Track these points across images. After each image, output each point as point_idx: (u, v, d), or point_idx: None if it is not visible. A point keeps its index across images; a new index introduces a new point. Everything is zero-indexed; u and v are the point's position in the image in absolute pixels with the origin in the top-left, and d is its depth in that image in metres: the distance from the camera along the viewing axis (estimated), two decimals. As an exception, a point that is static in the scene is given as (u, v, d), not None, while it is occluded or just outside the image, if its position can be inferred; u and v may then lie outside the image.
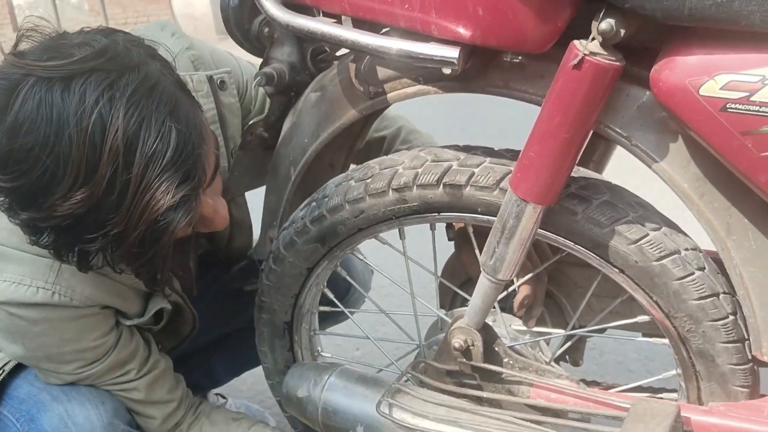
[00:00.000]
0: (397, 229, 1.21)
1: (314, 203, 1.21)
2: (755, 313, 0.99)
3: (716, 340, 1.01)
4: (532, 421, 1.10)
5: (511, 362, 1.18)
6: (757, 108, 0.82)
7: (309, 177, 1.31)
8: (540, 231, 1.04)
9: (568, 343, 1.34)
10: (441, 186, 1.09)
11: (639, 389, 1.24)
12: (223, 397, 1.88)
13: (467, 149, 1.13)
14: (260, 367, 1.73)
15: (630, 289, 1.04)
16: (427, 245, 1.30)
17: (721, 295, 1.00)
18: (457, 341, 1.16)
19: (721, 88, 0.83)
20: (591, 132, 0.98)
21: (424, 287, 1.41)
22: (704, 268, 1.01)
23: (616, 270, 1.03)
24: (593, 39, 0.88)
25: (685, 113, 0.87)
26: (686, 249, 1.01)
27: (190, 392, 1.41)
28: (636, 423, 0.99)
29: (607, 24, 0.86)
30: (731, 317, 1.00)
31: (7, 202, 0.99)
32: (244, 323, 1.66)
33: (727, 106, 0.83)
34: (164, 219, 0.98)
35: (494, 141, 1.22)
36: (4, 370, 1.28)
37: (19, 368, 1.29)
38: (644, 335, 1.33)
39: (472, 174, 1.06)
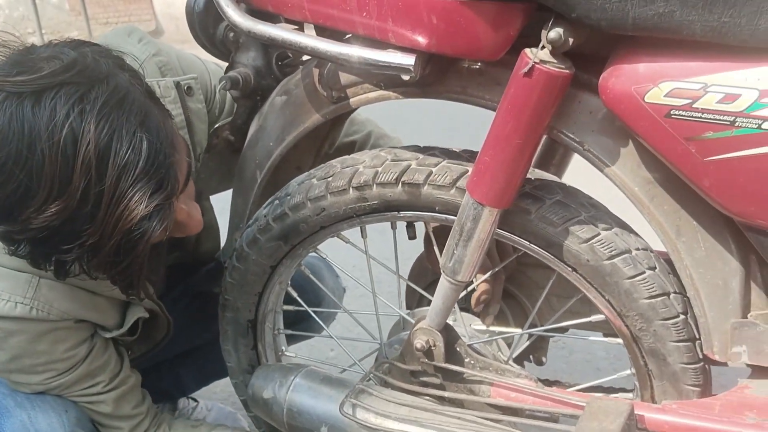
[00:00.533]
0: (359, 228, 1.23)
1: (277, 201, 1.23)
2: (706, 314, 1.02)
3: (667, 339, 1.03)
4: (492, 420, 1.12)
5: (472, 362, 1.20)
6: (699, 114, 0.85)
7: (276, 180, 1.32)
8: (497, 230, 1.07)
9: (527, 342, 1.36)
10: (400, 184, 1.11)
11: (598, 389, 1.27)
12: (195, 400, 1.89)
13: (426, 149, 1.15)
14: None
15: (583, 289, 1.07)
16: (393, 245, 1.32)
17: (672, 295, 1.03)
18: (419, 342, 1.18)
19: (665, 95, 0.86)
20: (543, 137, 1.01)
21: (389, 287, 1.42)
22: (655, 267, 1.03)
23: (570, 269, 1.06)
24: (543, 47, 0.90)
25: (631, 120, 0.89)
26: (637, 249, 1.04)
27: (154, 406, 1.42)
28: (590, 421, 1.01)
29: (555, 33, 0.88)
30: (681, 316, 1.03)
31: None
32: (212, 336, 1.68)
33: (672, 112, 0.86)
34: (139, 228, 0.99)
35: (473, 143, 1.23)
36: None
37: None
38: (604, 335, 1.36)
39: (430, 173, 1.09)
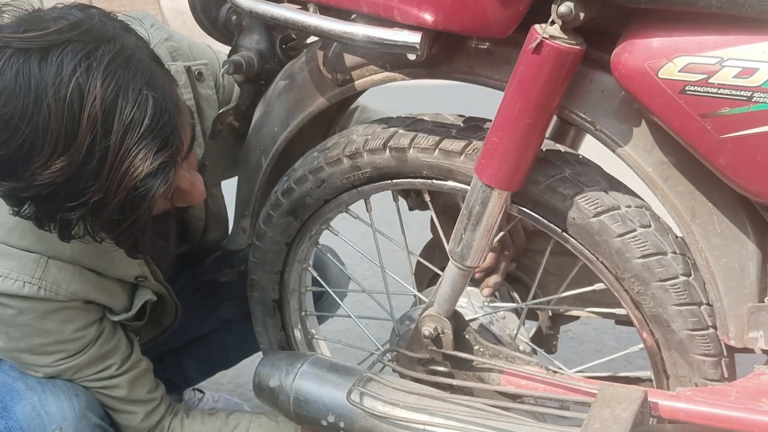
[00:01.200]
0: (363, 201, 1.24)
1: (285, 177, 1.25)
2: (721, 298, 0.99)
3: (667, 303, 1.00)
4: (502, 408, 1.10)
5: (481, 349, 1.18)
6: (715, 90, 0.82)
7: (281, 166, 1.30)
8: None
9: (538, 324, 1.33)
10: (387, 150, 1.11)
11: (609, 375, 1.24)
12: (201, 392, 1.88)
13: (417, 117, 1.15)
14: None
15: (576, 251, 1.04)
16: (410, 225, 1.32)
17: (669, 254, 0.99)
18: (427, 329, 1.16)
19: (679, 71, 0.83)
20: (554, 116, 0.98)
21: (402, 266, 1.41)
22: (649, 225, 1.00)
23: (558, 229, 1.03)
24: (553, 23, 0.88)
25: (644, 96, 0.86)
26: (628, 206, 1.00)
27: (168, 396, 1.43)
28: (603, 408, 0.99)
29: (566, 7, 0.85)
30: (681, 278, 0.99)
31: None
32: (217, 324, 1.67)
33: (686, 88, 0.83)
34: (143, 186, 0.99)
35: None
36: None
37: None
38: (617, 323, 1.34)
39: (415, 136, 1.09)
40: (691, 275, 0.99)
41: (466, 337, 1.18)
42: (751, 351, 1.00)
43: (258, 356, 1.83)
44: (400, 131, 1.11)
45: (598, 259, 1.02)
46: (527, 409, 1.11)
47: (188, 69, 1.35)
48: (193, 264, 1.59)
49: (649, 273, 0.99)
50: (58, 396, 1.25)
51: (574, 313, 1.33)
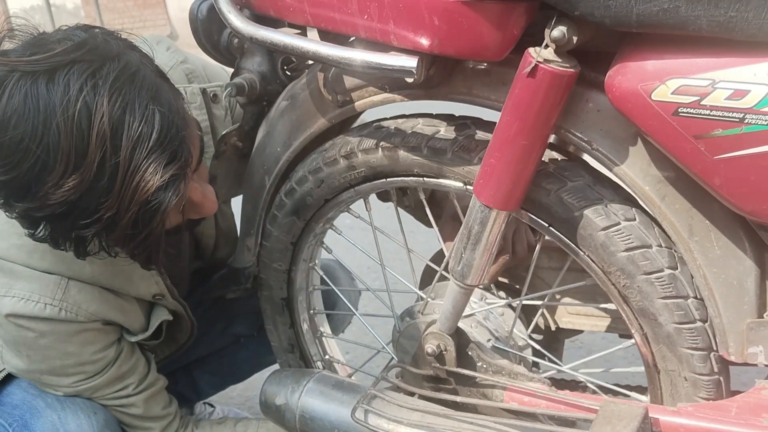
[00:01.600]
0: (363, 201, 1.28)
1: (288, 179, 1.28)
2: (720, 314, 1.00)
3: (654, 296, 1.00)
4: (506, 424, 1.11)
5: (484, 366, 1.18)
6: (708, 112, 0.83)
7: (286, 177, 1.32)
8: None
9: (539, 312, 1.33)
10: (379, 149, 1.13)
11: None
12: (211, 406, 1.89)
13: (410, 116, 1.18)
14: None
15: (563, 246, 1.05)
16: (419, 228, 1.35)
17: (655, 248, 1.00)
18: (430, 346, 1.17)
19: (672, 93, 0.84)
20: (550, 137, 0.99)
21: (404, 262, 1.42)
22: (633, 219, 1.01)
23: (545, 224, 1.05)
24: (546, 46, 0.89)
25: (638, 118, 0.87)
26: (612, 200, 1.02)
27: (179, 409, 1.45)
28: (604, 425, 1.00)
29: (558, 32, 0.86)
30: (667, 271, 0.99)
31: (3, 195, 1.02)
32: (229, 340, 1.71)
33: (679, 110, 0.84)
34: (155, 199, 1.01)
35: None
36: None
37: (12, 376, 1.33)
38: (621, 336, 1.34)
39: (405, 136, 1.11)
40: (677, 268, 1.00)
41: (470, 354, 1.18)
42: (753, 365, 1.01)
43: (270, 369, 1.87)
44: (391, 131, 1.14)
45: (584, 253, 1.03)
46: (532, 427, 1.11)
47: (203, 91, 1.38)
48: (205, 281, 1.60)
49: (634, 266, 1.00)
50: (77, 414, 1.27)
51: (577, 327, 1.34)
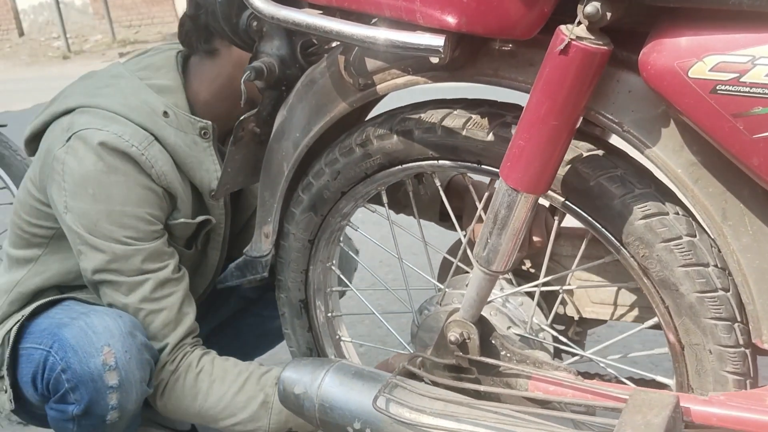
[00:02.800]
0: (382, 196, 1.27)
1: (304, 174, 1.28)
2: (754, 300, 0.97)
3: (673, 265, 0.98)
4: (530, 414, 1.09)
5: (508, 355, 1.16)
6: (747, 89, 0.80)
7: (303, 172, 1.30)
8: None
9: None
10: (394, 134, 1.13)
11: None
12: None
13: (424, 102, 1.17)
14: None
15: (581, 221, 1.04)
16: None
17: (672, 215, 0.99)
18: (453, 335, 1.15)
19: (710, 70, 0.82)
20: (581, 118, 0.97)
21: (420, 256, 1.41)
22: (649, 186, 1.00)
23: (561, 198, 1.04)
24: (579, 23, 0.86)
25: (674, 96, 0.85)
26: (626, 170, 1.01)
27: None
28: (634, 414, 0.97)
29: (592, 7, 0.84)
30: (686, 238, 0.98)
31: None
32: (237, 306, 1.80)
33: (717, 87, 0.82)
34: None
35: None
36: (23, 315, 1.44)
37: (34, 314, 1.44)
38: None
39: (419, 118, 1.11)
40: (696, 236, 0.98)
41: (493, 342, 1.16)
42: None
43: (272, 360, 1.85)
44: (406, 115, 1.14)
45: (601, 225, 1.02)
46: (556, 415, 1.09)
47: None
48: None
49: (652, 234, 0.98)
50: (104, 318, 1.34)
51: (600, 316, 1.32)
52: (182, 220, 1.45)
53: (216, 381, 1.39)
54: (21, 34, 13.44)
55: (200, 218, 1.48)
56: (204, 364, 1.41)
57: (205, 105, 1.48)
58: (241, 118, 1.31)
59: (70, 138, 1.36)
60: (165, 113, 1.41)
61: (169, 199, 1.43)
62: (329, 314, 1.44)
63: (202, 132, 1.44)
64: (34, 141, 1.48)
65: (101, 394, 1.31)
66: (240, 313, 1.83)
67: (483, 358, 1.15)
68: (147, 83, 1.43)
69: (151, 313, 1.39)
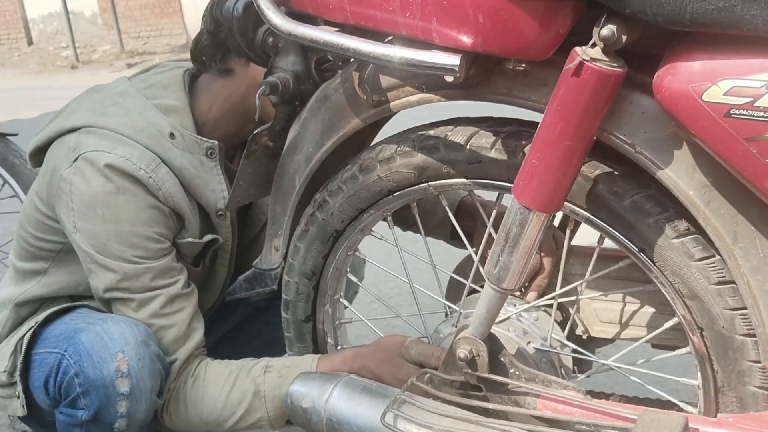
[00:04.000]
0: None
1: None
2: (764, 323, 0.98)
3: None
4: (538, 432, 1.09)
5: (517, 373, 1.16)
6: (761, 113, 0.81)
7: (315, 186, 1.31)
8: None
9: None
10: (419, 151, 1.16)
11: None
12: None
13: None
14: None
15: (593, 225, 1.05)
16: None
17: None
18: (462, 351, 1.15)
19: (724, 94, 0.82)
20: (594, 139, 0.97)
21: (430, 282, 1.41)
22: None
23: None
24: (594, 45, 0.87)
25: (688, 119, 0.86)
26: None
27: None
28: (643, 434, 0.97)
29: (608, 30, 0.85)
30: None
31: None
32: (245, 313, 1.82)
33: (731, 111, 0.82)
34: None
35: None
36: (36, 322, 1.44)
37: (48, 321, 1.45)
38: (653, 346, 1.32)
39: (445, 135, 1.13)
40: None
41: (502, 360, 1.16)
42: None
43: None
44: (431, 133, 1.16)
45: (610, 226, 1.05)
46: (564, 434, 1.09)
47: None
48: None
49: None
50: (120, 324, 1.35)
51: (608, 336, 1.32)
52: (189, 239, 1.46)
53: (209, 385, 1.40)
54: (30, 43, 13.52)
55: (207, 237, 1.49)
56: (199, 371, 1.42)
57: (215, 123, 1.48)
58: (255, 132, 1.32)
59: (77, 159, 1.37)
60: (171, 134, 1.42)
61: (176, 219, 1.43)
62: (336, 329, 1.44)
63: (209, 152, 1.45)
64: (38, 154, 1.49)
65: (111, 400, 1.31)
66: (248, 321, 1.84)
67: (492, 376, 1.15)
68: (154, 102, 1.43)
69: (162, 329, 1.39)
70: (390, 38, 1.08)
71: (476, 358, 1.15)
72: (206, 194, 1.45)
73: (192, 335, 1.43)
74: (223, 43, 1.36)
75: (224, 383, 1.39)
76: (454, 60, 0.96)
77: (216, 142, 1.45)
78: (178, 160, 1.41)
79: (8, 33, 13.74)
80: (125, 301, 1.39)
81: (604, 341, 1.35)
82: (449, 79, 1.00)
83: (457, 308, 1.27)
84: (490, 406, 1.16)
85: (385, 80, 1.13)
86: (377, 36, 1.07)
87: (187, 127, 1.44)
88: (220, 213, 1.48)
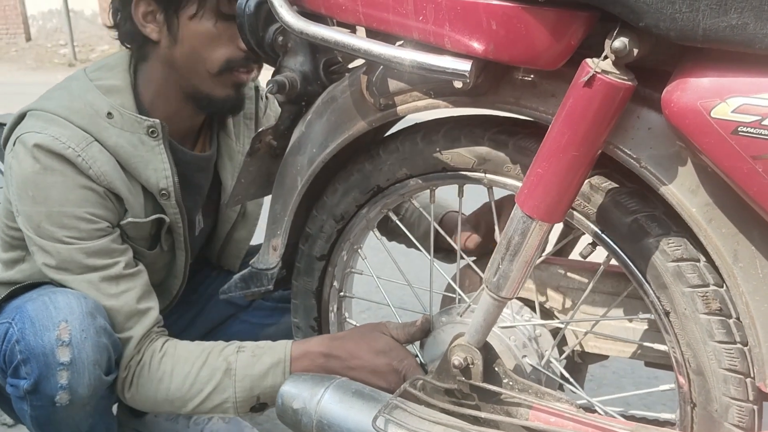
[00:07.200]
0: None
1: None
2: (760, 344, 0.98)
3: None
4: (529, 444, 1.09)
5: (510, 383, 1.16)
6: (769, 132, 0.82)
7: (317, 188, 1.31)
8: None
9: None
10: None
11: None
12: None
13: None
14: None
15: (590, 233, 1.06)
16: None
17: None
18: (456, 359, 1.15)
19: (733, 111, 0.83)
20: (599, 151, 0.98)
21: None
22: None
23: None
24: (606, 57, 0.88)
25: (695, 135, 0.86)
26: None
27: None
28: (635, 449, 0.98)
29: (620, 42, 0.86)
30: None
31: None
32: (228, 312, 1.83)
33: (739, 129, 0.83)
34: None
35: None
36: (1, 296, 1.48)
37: (11, 297, 1.47)
38: (646, 365, 1.32)
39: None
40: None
41: (496, 369, 1.16)
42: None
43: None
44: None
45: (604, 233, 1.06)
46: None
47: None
48: (208, 269, 1.75)
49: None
50: (68, 295, 1.34)
51: (603, 352, 1.32)
52: (131, 219, 1.45)
53: (179, 361, 1.39)
54: (28, 39, 13.48)
55: (152, 217, 1.48)
56: (167, 347, 1.41)
57: (152, 103, 1.50)
58: (259, 130, 1.33)
59: (15, 142, 1.39)
60: (109, 114, 1.42)
61: (114, 199, 1.43)
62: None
63: (150, 131, 1.45)
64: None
65: (51, 369, 1.28)
66: (230, 320, 1.84)
67: (485, 384, 1.15)
68: (96, 84, 1.44)
69: (110, 309, 1.39)
70: (401, 42, 1.08)
71: (471, 366, 1.15)
72: (146, 173, 1.45)
73: (146, 313, 1.42)
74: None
75: (196, 359, 1.38)
76: (464, 65, 0.96)
77: (157, 120, 1.45)
78: (113, 139, 1.41)
79: (7, 28, 13.70)
80: (68, 282, 1.39)
81: (598, 357, 1.35)
82: (458, 85, 1.00)
83: (467, 299, 1.27)
84: (483, 414, 1.16)
85: (393, 84, 1.13)
86: (387, 40, 1.07)
87: (128, 106, 1.44)
88: (163, 192, 1.48)
